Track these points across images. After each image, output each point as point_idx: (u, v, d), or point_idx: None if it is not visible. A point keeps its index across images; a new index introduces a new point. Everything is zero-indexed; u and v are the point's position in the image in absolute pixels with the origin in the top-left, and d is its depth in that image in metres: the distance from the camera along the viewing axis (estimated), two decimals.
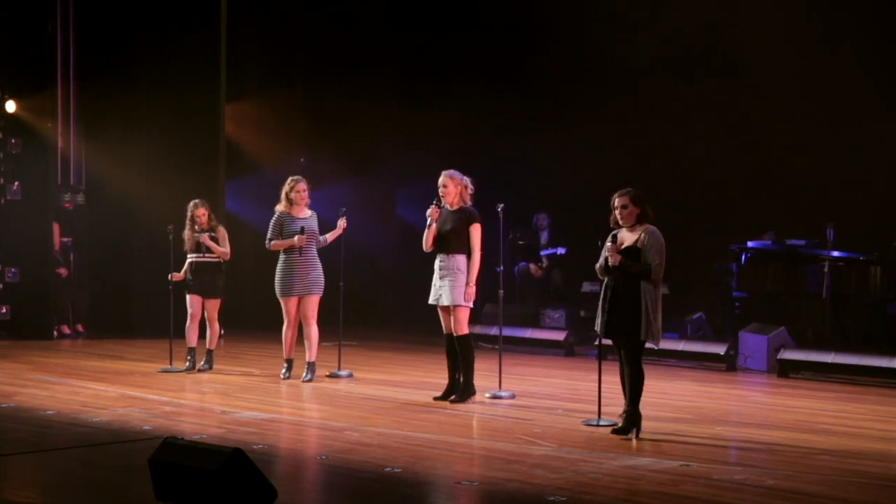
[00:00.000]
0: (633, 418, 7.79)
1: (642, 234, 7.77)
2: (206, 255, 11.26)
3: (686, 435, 7.98)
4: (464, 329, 9.35)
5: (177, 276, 11.37)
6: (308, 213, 10.61)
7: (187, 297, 11.34)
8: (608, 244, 7.80)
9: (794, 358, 11.60)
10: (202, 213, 11.26)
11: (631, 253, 7.75)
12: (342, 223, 10.61)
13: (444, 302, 9.34)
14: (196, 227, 11.24)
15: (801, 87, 14.22)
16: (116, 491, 6.34)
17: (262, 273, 15.87)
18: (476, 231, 9.30)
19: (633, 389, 7.83)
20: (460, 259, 9.29)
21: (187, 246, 11.31)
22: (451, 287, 9.28)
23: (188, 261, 11.33)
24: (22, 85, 14.93)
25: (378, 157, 17.94)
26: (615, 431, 7.81)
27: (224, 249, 11.31)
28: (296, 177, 10.68)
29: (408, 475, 6.58)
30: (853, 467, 6.95)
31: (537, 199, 15.69)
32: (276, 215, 10.55)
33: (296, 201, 10.49)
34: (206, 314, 11.36)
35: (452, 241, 9.30)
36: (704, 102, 14.86)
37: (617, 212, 7.85)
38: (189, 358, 11.30)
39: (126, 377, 10.94)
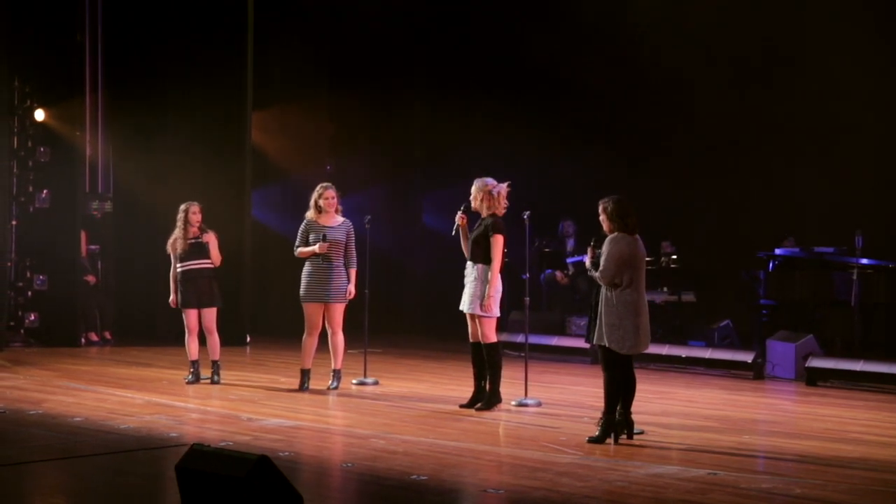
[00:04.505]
0: (607, 426, 7.80)
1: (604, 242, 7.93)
2: (201, 261, 10.83)
3: (713, 443, 7.94)
4: (490, 338, 9.34)
5: (174, 301, 10.95)
6: (339, 220, 10.48)
7: (184, 312, 10.89)
8: (589, 247, 8.09)
9: (822, 366, 11.52)
10: (196, 211, 10.81)
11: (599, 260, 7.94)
12: (321, 246, 10.32)
13: (465, 309, 9.38)
14: (189, 230, 10.79)
15: (830, 91, 14.13)
16: (144, 497, 6.37)
17: (288, 280, 15.91)
18: (495, 241, 9.23)
19: (605, 396, 7.87)
20: (481, 268, 9.30)
21: (179, 250, 10.82)
22: (472, 296, 9.31)
23: (179, 270, 10.84)
24: (50, 94, 15.02)
25: (404, 165, 17.96)
26: (590, 440, 7.81)
27: (218, 255, 10.95)
28: (325, 184, 10.59)
29: (434, 483, 6.57)
30: (883, 476, 6.90)
31: (563, 206, 15.65)
32: (304, 222, 10.53)
33: (325, 208, 10.44)
34: (203, 324, 10.92)
35: (475, 249, 9.33)
36: (733, 110, 14.80)
37: None
38: (192, 370, 10.99)
39: (153, 384, 10.98)
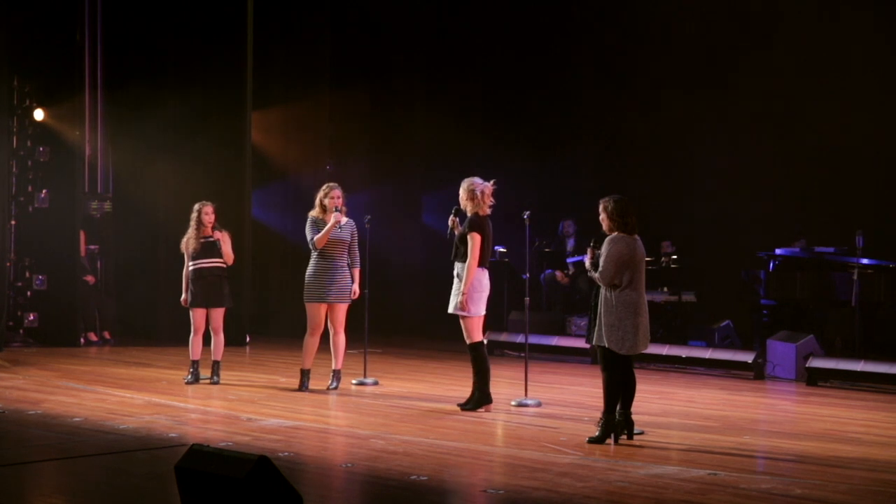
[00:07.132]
0: (606, 427, 7.81)
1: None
2: (212, 259, 10.87)
3: (713, 444, 7.94)
4: (472, 337, 9.26)
5: (185, 300, 10.99)
6: (343, 220, 10.45)
7: (191, 311, 10.93)
8: (589, 248, 8.08)
9: (822, 366, 11.51)
10: (209, 211, 10.87)
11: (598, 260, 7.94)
12: (336, 216, 10.34)
13: (449, 309, 9.35)
14: (201, 229, 10.85)
15: (831, 92, 14.13)
16: (143, 498, 6.36)
17: (288, 280, 15.97)
18: (471, 239, 9.18)
19: (604, 396, 7.88)
20: (461, 267, 9.29)
21: (191, 249, 10.89)
22: (454, 295, 9.30)
23: (191, 268, 10.91)
24: (50, 93, 15.02)
25: (404, 165, 17.96)
26: (590, 440, 7.82)
27: (231, 253, 11.00)
28: (332, 183, 10.60)
29: (434, 483, 6.57)
30: (883, 477, 6.89)
31: (563, 207, 15.65)
32: (309, 219, 10.49)
33: (329, 208, 10.45)
34: (210, 324, 10.94)
35: (458, 249, 9.32)
36: (733, 108, 14.80)
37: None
38: (192, 371, 10.98)
39: (152, 384, 10.97)
